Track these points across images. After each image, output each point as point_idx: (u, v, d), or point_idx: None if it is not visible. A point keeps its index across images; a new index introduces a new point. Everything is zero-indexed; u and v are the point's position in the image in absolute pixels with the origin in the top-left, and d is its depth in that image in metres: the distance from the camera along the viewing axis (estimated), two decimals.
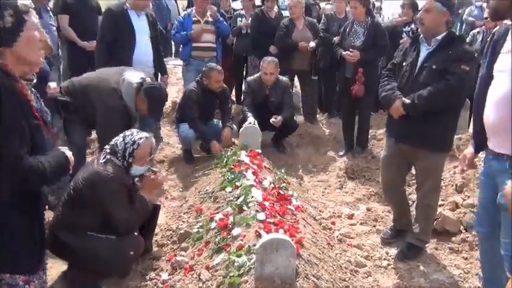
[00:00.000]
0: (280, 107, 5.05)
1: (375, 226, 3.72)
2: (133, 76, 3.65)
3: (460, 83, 2.89)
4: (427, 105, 2.94)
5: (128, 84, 3.59)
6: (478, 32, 5.99)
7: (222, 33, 5.75)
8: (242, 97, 5.79)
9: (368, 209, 3.93)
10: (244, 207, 3.16)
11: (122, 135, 2.88)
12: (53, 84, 3.61)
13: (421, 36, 3.11)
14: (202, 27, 5.49)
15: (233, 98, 6.89)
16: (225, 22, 5.85)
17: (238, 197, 3.28)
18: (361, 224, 3.75)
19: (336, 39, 5.38)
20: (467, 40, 5.97)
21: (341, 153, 5.23)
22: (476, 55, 5.44)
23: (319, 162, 5.11)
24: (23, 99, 1.77)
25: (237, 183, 3.53)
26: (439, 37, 2.98)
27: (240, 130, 4.58)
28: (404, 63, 3.16)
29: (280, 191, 3.61)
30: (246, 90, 5.22)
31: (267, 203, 3.23)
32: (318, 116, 6.25)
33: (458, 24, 11.79)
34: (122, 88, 3.57)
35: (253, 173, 3.73)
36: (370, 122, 5.29)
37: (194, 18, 5.55)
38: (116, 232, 2.73)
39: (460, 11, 11.27)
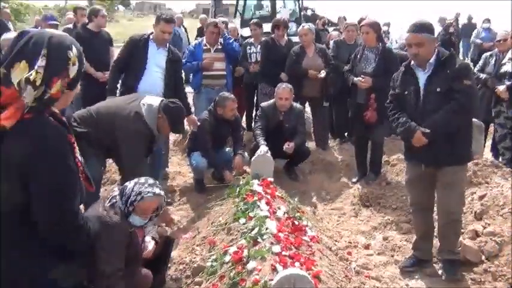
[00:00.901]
0: (293, 134, 5.02)
1: (392, 256, 3.62)
2: (153, 99, 3.70)
3: (468, 98, 3.04)
4: (445, 128, 3.07)
5: (148, 106, 3.61)
6: (491, 55, 5.94)
7: (232, 52, 5.79)
8: (253, 123, 5.79)
9: (385, 238, 3.84)
10: (259, 239, 3.09)
11: (136, 180, 2.76)
12: None
13: (412, 63, 3.22)
14: (213, 56, 5.54)
15: (244, 124, 6.91)
16: (234, 42, 5.90)
17: (252, 229, 3.22)
18: (379, 254, 3.65)
19: (346, 67, 5.40)
20: (480, 64, 5.96)
21: (354, 180, 5.16)
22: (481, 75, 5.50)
23: (333, 189, 5.04)
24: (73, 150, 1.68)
25: (251, 214, 3.47)
26: (432, 60, 3.11)
27: (252, 159, 4.54)
28: (406, 92, 3.24)
29: (294, 221, 3.54)
30: (260, 114, 5.20)
31: (281, 235, 3.17)
32: (329, 142, 6.20)
33: (466, 46, 11.79)
34: (144, 111, 3.58)
35: (267, 203, 3.67)
36: (383, 148, 5.21)
37: (205, 47, 5.62)
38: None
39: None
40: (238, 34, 7.64)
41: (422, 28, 3.10)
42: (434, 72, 3.10)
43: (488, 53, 6.17)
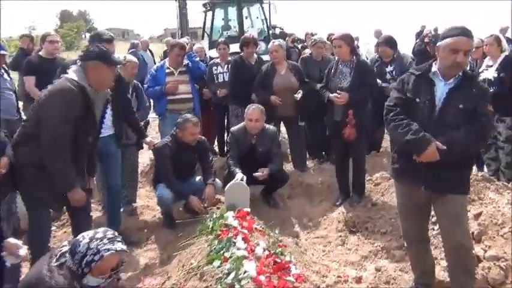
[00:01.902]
0: (268, 158, 4.64)
1: None
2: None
3: (490, 124, 2.92)
4: (464, 150, 2.71)
5: (72, 68, 3.07)
6: None
7: (198, 71, 5.43)
8: (226, 148, 5.40)
9: (377, 269, 3.45)
10: (237, 286, 2.68)
11: (91, 233, 2.32)
12: (3, 160, 2.96)
13: (434, 70, 2.81)
14: (176, 79, 5.16)
15: (216, 149, 6.52)
16: (199, 61, 5.53)
17: (228, 273, 2.80)
18: None
19: (318, 84, 5.12)
20: None
21: (337, 203, 4.79)
22: None
23: (315, 215, 4.65)
24: None
25: (226, 254, 3.05)
26: (460, 73, 2.75)
27: (226, 188, 4.13)
28: (418, 100, 2.81)
29: (276, 258, 3.13)
30: (230, 140, 4.82)
31: (262, 278, 2.76)
32: (307, 162, 5.84)
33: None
34: (70, 74, 3.01)
35: (244, 239, 3.26)
36: (365, 166, 4.88)
37: (167, 70, 5.23)
38: None
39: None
40: (205, 55, 7.31)
41: (471, 34, 2.72)
42: (459, 86, 2.73)
43: None
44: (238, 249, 3.11)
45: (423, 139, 2.68)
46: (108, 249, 2.26)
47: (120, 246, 2.32)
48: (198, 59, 5.59)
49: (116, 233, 2.41)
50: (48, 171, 2.91)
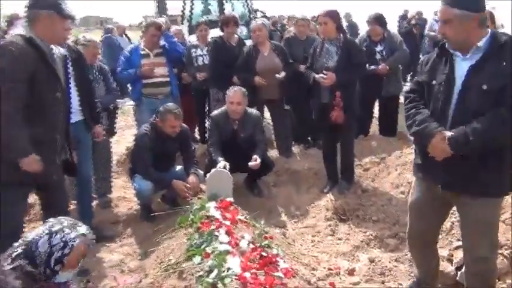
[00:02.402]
0: (251, 144, 4.36)
1: (383, 283, 3.00)
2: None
3: None
4: (485, 143, 2.14)
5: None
6: None
7: (176, 53, 5.06)
8: (207, 135, 5.11)
9: (371, 260, 3.22)
10: (219, 285, 2.41)
11: (45, 229, 2.03)
12: None
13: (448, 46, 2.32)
14: (152, 61, 4.81)
15: (197, 135, 6.21)
16: (177, 42, 5.17)
17: (210, 270, 2.53)
18: (367, 281, 3.01)
19: (303, 66, 4.86)
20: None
21: (325, 190, 4.54)
22: None
23: (303, 203, 4.40)
24: None
25: (208, 250, 2.78)
26: (481, 43, 2.19)
27: (207, 177, 3.85)
28: (434, 82, 2.34)
29: (262, 252, 2.87)
30: (211, 126, 4.51)
31: (248, 274, 2.50)
32: (293, 148, 5.58)
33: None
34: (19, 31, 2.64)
35: (227, 232, 2.99)
36: (354, 151, 4.63)
37: (143, 52, 4.87)
38: None
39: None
40: (183, 37, 6.94)
41: (454, 1, 2.18)
42: (483, 61, 2.18)
43: None
44: (221, 243, 2.85)
45: (425, 131, 2.30)
46: (75, 237, 2.04)
47: (83, 229, 2.10)
48: (174, 39, 5.22)
49: (71, 219, 2.14)
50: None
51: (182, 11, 11.01)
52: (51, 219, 2.13)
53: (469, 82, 2.20)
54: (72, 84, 3.49)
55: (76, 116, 3.57)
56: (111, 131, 4.45)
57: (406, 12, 13.96)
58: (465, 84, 2.21)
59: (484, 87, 2.14)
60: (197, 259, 2.72)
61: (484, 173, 2.21)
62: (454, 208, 3.27)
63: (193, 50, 5.71)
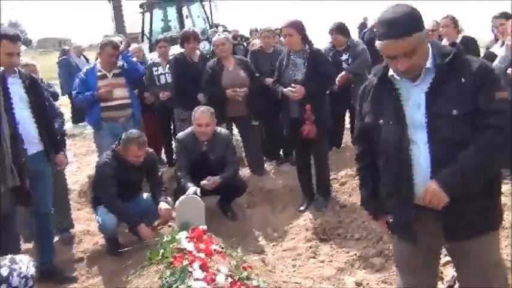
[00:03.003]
0: (222, 165, 4.11)
1: None
2: None
3: (508, 120, 1.76)
4: (480, 176, 1.80)
5: None
6: None
7: (135, 73, 4.75)
8: (174, 157, 4.84)
9: (358, 284, 3.02)
10: None
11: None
12: None
13: (390, 74, 1.92)
14: (110, 82, 4.52)
15: (163, 158, 5.91)
16: (136, 62, 4.88)
17: None
18: None
19: (268, 79, 4.69)
20: None
21: (302, 208, 4.34)
22: None
23: (280, 224, 4.18)
24: None
25: None
26: (429, 63, 1.83)
27: (176, 204, 3.57)
28: (381, 122, 1.93)
29: (242, 287, 2.63)
30: (177, 149, 4.24)
31: None
32: (265, 165, 5.36)
33: None
34: None
35: (202, 267, 2.73)
36: (328, 164, 4.46)
37: (99, 73, 4.56)
38: None
39: None
40: (144, 56, 6.67)
41: (406, 26, 1.74)
42: (438, 83, 1.81)
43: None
44: (196, 280, 2.59)
45: (371, 211, 2.11)
46: (30, 267, 1.86)
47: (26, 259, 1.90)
48: (135, 59, 4.95)
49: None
50: None
51: (142, 29, 10.76)
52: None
53: (433, 112, 1.80)
54: (28, 112, 3.22)
55: (34, 146, 3.25)
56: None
57: (365, 19, 14.12)
58: (430, 116, 1.81)
59: (454, 112, 1.76)
60: None
61: (487, 207, 1.87)
62: None
63: (154, 68, 5.46)
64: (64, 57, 9.91)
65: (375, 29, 11.15)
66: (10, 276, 1.79)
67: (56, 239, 4.02)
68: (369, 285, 2.95)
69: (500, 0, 6.68)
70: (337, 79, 4.99)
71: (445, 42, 4.85)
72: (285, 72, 4.21)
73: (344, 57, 5.30)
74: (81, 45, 11.48)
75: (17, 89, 3.15)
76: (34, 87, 3.29)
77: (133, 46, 6.22)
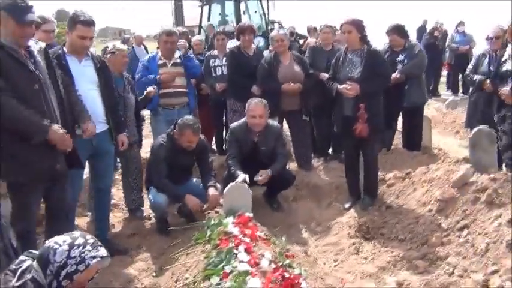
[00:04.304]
0: (272, 157, 4.20)
1: None
2: None
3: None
4: None
5: None
6: (483, 55, 5.36)
7: (191, 71, 4.94)
8: (225, 146, 4.98)
9: (399, 283, 3.01)
10: None
11: (68, 239, 1.93)
12: None
13: None
14: (170, 70, 4.72)
15: (214, 147, 6.08)
16: (195, 59, 5.07)
17: None
18: None
19: (323, 74, 4.73)
20: (473, 63, 5.40)
21: (347, 206, 4.35)
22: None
23: (324, 219, 4.22)
24: None
25: (226, 269, 2.63)
26: None
27: (225, 191, 3.70)
28: None
29: (284, 272, 2.70)
30: (230, 138, 4.37)
31: None
32: (312, 161, 5.40)
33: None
34: None
35: (247, 250, 2.83)
36: (377, 165, 4.43)
37: (160, 62, 4.78)
38: None
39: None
40: (204, 48, 6.86)
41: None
42: None
43: (480, 53, 5.58)
44: (241, 262, 2.69)
45: None
46: (94, 257, 1.91)
47: (104, 252, 1.97)
48: (194, 54, 5.13)
49: (94, 238, 2.01)
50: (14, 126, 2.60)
51: (199, 23, 11.00)
52: (76, 232, 2.02)
53: None
54: (96, 93, 3.45)
55: (100, 125, 3.48)
56: (139, 141, 4.38)
57: (424, 23, 13.70)
58: None
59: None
60: (215, 279, 2.57)
61: None
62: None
63: (212, 60, 5.62)
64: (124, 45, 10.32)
65: (436, 33, 10.86)
66: (76, 247, 1.90)
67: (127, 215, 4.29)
68: (411, 286, 2.94)
69: None
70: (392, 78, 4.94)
71: (510, 49, 4.68)
72: (341, 70, 4.23)
73: (400, 58, 5.23)
74: (141, 35, 11.93)
75: (89, 71, 3.40)
76: (104, 71, 3.52)
77: (196, 38, 6.42)
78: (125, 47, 4.39)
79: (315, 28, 10.32)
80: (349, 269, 3.33)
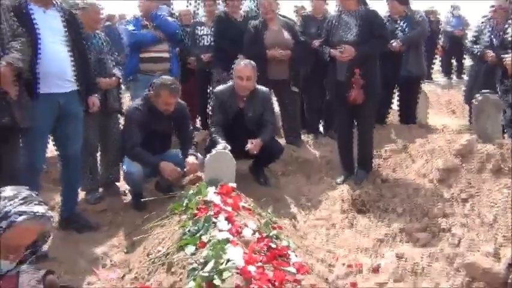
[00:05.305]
0: (259, 125, 3.85)
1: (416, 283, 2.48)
2: None
3: None
4: None
5: None
6: (483, 23, 5.08)
7: (167, 31, 4.47)
8: (209, 111, 4.62)
9: (399, 256, 2.68)
10: (217, 281, 1.91)
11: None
12: None
13: None
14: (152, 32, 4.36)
15: (198, 121, 5.72)
16: (163, 16, 4.56)
17: (205, 262, 2.03)
18: (396, 281, 2.49)
19: (315, 41, 4.40)
20: (473, 34, 5.15)
21: (339, 180, 4.03)
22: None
23: (314, 194, 3.89)
24: None
25: (204, 238, 2.28)
26: None
27: (206, 159, 3.35)
28: None
29: (270, 243, 2.37)
30: (214, 104, 4.01)
31: (252, 268, 1.99)
32: (302, 137, 5.05)
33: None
34: None
35: (228, 219, 2.49)
36: (373, 136, 4.10)
37: (143, 23, 4.40)
38: None
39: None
40: (192, 19, 6.42)
41: None
42: None
43: (480, 23, 5.28)
44: (220, 231, 2.35)
45: None
46: (21, 213, 1.54)
47: (39, 209, 1.58)
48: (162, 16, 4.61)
49: (35, 194, 1.64)
50: None
51: None
52: (11, 187, 1.64)
53: None
54: (63, 48, 3.04)
55: (68, 85, 3.09)
56: (119, 110, 3.96)
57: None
58: None
59: None
60: (190, 249, 2.22)
61: None
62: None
63: (198, 27, 5.21)
64: (108, 23, 9.85)
65: (431, 17, 10.52)
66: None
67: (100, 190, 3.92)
68: (412, 258, 2.61)
69: None
70: (389, 45, 4.63)
71: None
72: (335, 32, 3.88)
73: (400, 25, 4.92)
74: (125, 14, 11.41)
75: (56, 24, 3.00)
76: (73, 24, 3.12)
77: (184, 9, 5.97)
78: (97, 2, 3.94)
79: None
80: (342, 243, 3.00)
